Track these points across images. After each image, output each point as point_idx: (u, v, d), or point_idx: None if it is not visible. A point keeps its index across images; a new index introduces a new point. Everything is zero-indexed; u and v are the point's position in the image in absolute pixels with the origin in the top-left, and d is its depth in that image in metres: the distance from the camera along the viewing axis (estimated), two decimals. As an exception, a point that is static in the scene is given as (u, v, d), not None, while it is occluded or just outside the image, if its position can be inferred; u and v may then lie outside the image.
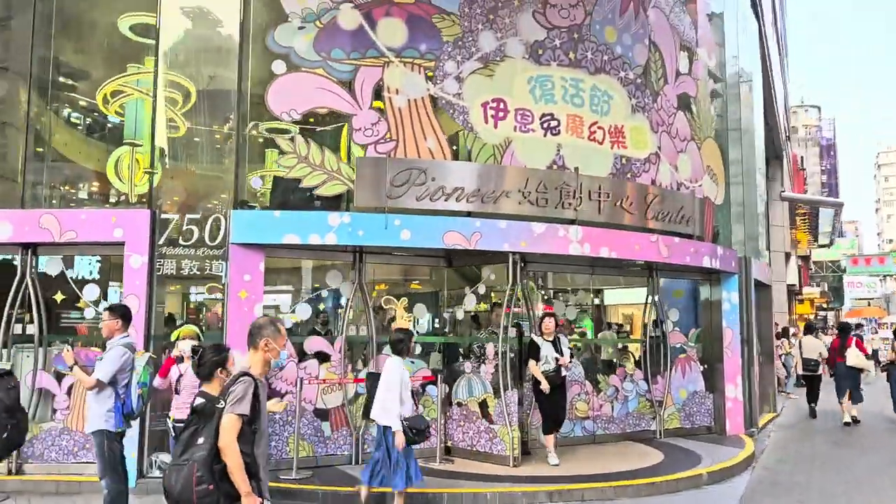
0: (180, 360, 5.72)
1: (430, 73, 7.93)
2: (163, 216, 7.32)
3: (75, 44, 9.27)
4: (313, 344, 7.88)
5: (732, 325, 10.57)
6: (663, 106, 9.61)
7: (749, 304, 11.25)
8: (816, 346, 13.92)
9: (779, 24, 24.63)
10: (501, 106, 8.18)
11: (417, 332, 8.55)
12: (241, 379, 3.66)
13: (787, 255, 26.38)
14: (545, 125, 8.38)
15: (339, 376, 7.81)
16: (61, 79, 9.24)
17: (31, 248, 7.42)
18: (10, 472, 7.14)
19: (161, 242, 7.27)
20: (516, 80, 8.29)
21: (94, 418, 5.57)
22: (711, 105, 10.85)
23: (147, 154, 7.78)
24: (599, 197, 8.48)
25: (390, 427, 5.85)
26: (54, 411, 7.37)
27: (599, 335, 12.62)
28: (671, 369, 10.08)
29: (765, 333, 13.61)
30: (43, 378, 7.33)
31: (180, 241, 7.31)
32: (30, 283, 7.36)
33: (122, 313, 5.72)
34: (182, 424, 5.61)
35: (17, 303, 7.35)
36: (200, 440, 3.56)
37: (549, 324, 7.96)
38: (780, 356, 17.61)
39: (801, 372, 14.08)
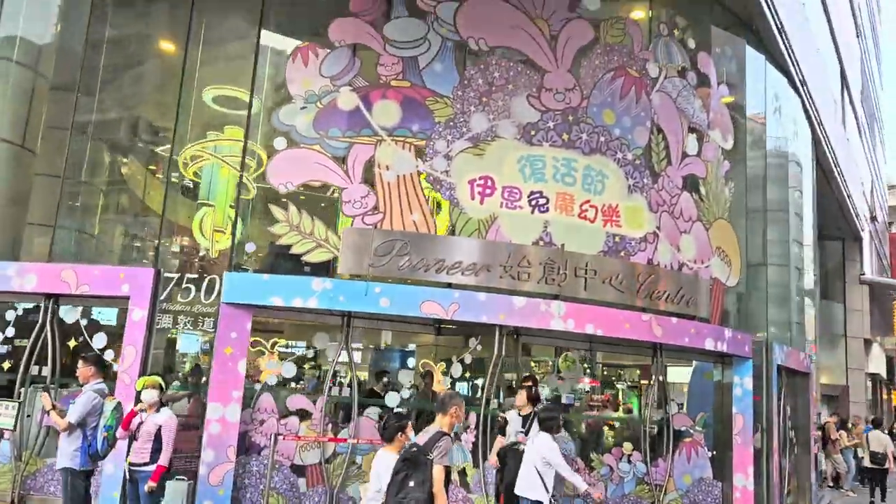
0: (142, 409, 6.25)
1: (420, 152, 8.42)
2: (166, 275, 8.03)
3: (166, 111, 10.21)
4: (295, 401, 8.28)
5: (744, 412, 10.20)
6: (665, 186, 9.68)
7: (769, 390, 10.87)
8: (883, 440, 14.22)
9: (854, 99, 23.93)
10: (489, 183, 8.53)
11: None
12: (444, 437, 4.87)
13: (867, 342, 24.82)
14: (533, 202, 8.65)
15: (318, 434, 8.14)
16: (153, 144, 10.12)
17: (54, 298, 8.28)
18: (13, 502, 7.84)
19: (162, 298, 7.96)
20: (506, 160, 8.65)
21: (61, 456, 6.19)
22: (726, 186, 10.78)
23: (220, 214, 8.58)
24: (586, 274, 8.61)
25: (541, 501, 6.27)
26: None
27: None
28: (674, 453, 9.82)
29: (801, 423, 13.00)
30: (51, 417, 8.04)
31: (178, 298, 7.99)
32: (48, 330, 8.19)
33: (94, 361, 6.39)
34: (136, 468, 6.15)
35: (38, 347, 8.19)
36: (412, 483, 4.53)
37: (520, 397, 7.71)
38: (839, 450, 16.56)
39: (867, 464, 14.48)
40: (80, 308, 8.35)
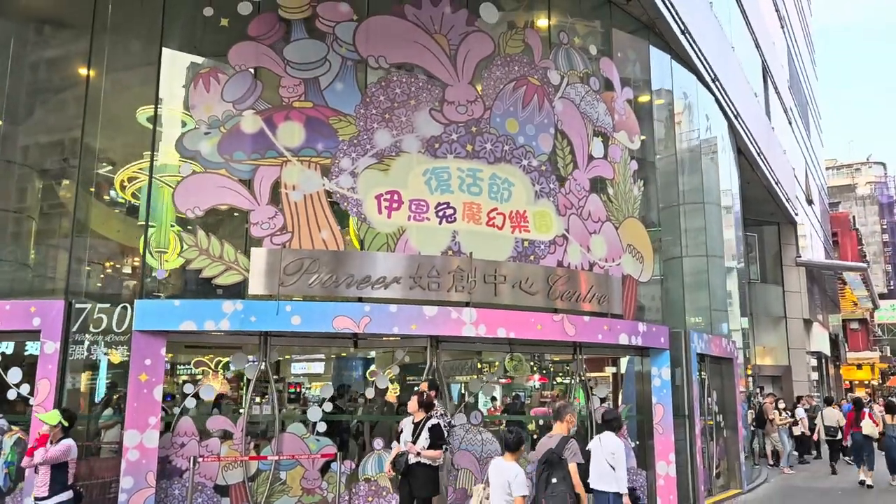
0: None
1: (326, 170, 8.60)
2: (77, 305, 8.08)
3: (102, 133, 10.07)
4: (216, 423, 8.39)
5: (663, 401, 10.61)
6: (572, 190, 10.01)
7: (689, 379, 11.29)
8: (835, 416, 16.22)
9: (780, 89, 24.72)
10: (395, 197, 8.76)
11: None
12: (570, 440, 6.09)
13: (807, 322, 25.64)
14: (440, 213, 8.90)
15: (239, 454, 8.27)
16: (94, 166, 9.96)
17: (-33, 336, 8.29)
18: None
19: (74, 329, 8.02)
20: (411, 173, 8.88)
21: (-35, 495, 6.25)
22: (635, 185, 11.16)
23: (162, 234, 8.49)
24: (495, 280, 8.88)
25: (619, 493, 6.89)
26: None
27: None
28: (598, 446, 10.14)
29: (729, 406, 13.49)
30: None
31: (91, 329, 8.05)
32: (-38, 368, 8.19)
33: None
34: (39, 502, 6.20)
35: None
36: (554, 480, 5.74)
37: (412, 403, 7.67)
38: (776, 429, 17.12)
39: (824, 437, 16.65)
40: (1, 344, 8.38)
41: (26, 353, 8.56)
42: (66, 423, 6.33)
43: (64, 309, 7.98)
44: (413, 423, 7.52)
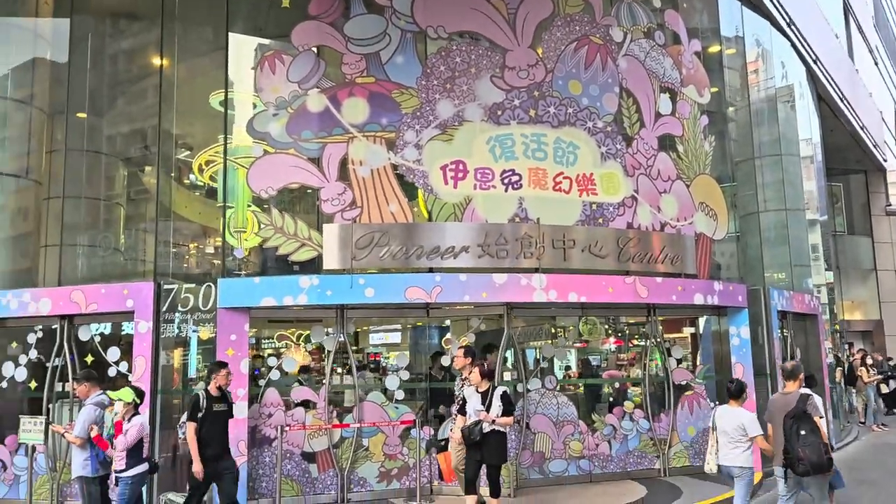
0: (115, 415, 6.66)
1: (391, 144, 8.71)
2: (165, 286, 8.54)
3: (179, 119, 10.02)
4: (300, 393, 8.76)
5: (743, 360, 10.39)
6: (640, 149, 9.81)
7: (770, 337, 11.00)
8: None
9: (865, 28, 23.29)
10: (461, 167, 8.81)
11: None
12: (813, 395, 6.38)
13: (901, 272, 24.38)
14: (506, 181, 8.91)
15: (323, 422, 8.62)
16: (174, 152, 10.14)
17: (68, 319, 8.88)
18: (52, 510, 8.54)
19: (164, 309, 8.49)
20: (475, 142, 8.90)
21: (75, 466, 6.74)
22: (706, 141, 10.83)
23: (240, 215, 8.84)
24: (564, 244, 8.86)
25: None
26: (86, 458, 8.70)
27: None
28: (676, 407, 10.08)
29: (814, 363, 13.09)
30: (67, 438, 8.62)
31: (179, 308, 8.51)
32: (66, 348, 8.81)
33: (85, 377, 6.92)
34: (116, 474, 6.54)
35: (59, 365, 8.82)
36: (803, 432, 5.99)
37: (474, 375, 7.45)
38: (865, 384, 16.50)
39: None
40: (100, 325, 8.96)
41: (123, 333, 9.13)
42: (138, 401, 6.69)
43: (154, 290, 8.45)
44: (478, 392, 7.40)
